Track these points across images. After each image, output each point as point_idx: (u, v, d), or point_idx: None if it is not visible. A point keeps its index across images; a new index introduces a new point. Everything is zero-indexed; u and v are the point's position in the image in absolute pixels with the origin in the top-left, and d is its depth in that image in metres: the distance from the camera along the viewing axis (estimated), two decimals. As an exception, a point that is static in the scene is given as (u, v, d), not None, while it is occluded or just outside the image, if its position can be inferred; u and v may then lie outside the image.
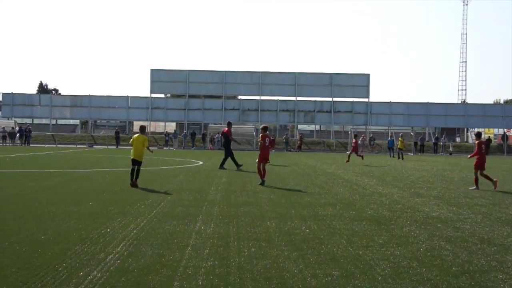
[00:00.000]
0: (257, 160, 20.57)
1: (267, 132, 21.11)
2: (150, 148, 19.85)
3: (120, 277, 7.06)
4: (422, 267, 8.00)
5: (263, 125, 22.36)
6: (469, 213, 13.74)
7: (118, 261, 7.89)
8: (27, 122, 76.01)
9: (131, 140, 19.21)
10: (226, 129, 29.50)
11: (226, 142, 29.47)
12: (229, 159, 28.33)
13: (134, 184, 18.16)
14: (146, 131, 58.77)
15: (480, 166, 20.52)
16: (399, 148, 47.72)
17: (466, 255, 8.94)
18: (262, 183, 19.59)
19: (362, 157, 36.90)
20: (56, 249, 8.55)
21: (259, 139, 20.64)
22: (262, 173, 20.07)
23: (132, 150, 18.89)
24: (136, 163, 18.57)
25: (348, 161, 36.34)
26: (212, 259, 8.20)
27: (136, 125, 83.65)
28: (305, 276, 7.35)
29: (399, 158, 46.18)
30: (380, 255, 8.76)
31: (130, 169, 18.54)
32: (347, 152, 37.24)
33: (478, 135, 22.47)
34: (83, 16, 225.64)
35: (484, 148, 21.33)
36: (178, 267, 7.68)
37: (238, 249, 8.91)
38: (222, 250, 8.84)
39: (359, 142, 56.99)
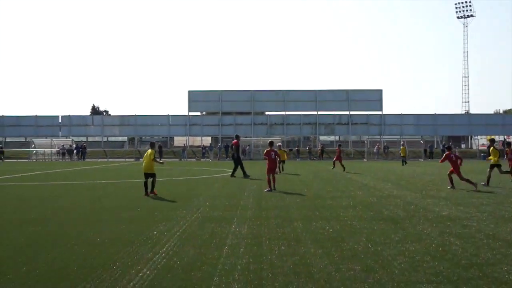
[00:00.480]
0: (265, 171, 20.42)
1: (273, 147, 21.16)
2: (158, 160, 19.40)
3: (167, 274, 7.09)
4: (434, 261, 7.89)
5: (270, 140, 22.32)
6: (475, 212, 13.52)
7: (165, 260, 7.92)
8: (83, 140, 76.89)
9: (144, 157, 18.99)
10: (235, 141, 29.14)
11: (234, 153, 29.06)
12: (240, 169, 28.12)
13: (148, 195, 17.63)
14: (184, 145, 58.77)
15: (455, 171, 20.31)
16: (402, 156, 47.29)
17: (474, 249, 8.80)
18: (270, 190, 19.26)
19: (344, 168, 34.40)
20: (110, 250, 8.62)
21: (264, 154, 20.66)
22: (271, 182, 19.71)
23: (143, 165, 18.59)
24: (148, 175, 18.13)
25: (333, 167, 36.82)
26: (247, 256, 8.19)
27: (177, 140, 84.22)
28: (330, 271, 7.31)
29: (403, 164, 45.47)
30: (396, 251, 8.66)
31: (145, 181, 18.05)
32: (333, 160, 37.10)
33: (449, 147, 21.87)
34: (128, 46, 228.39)
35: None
36: (217, 264, 7.68)
37: (269, 248, 8.88)
38: (256, 248, 8.82)
39: (375, 150, 56.75)
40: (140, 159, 64.80)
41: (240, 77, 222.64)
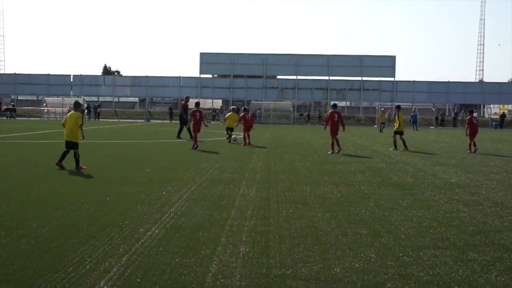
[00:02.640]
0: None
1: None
2: (82, 128, 14.53)
3: (174, 234, 7.16)
4: (441, 227, 7.91)
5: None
6: (484, 180, 13.50)
7: (173, 220, 7.99)
8: (96, 101, 76.99)
9: (64, 120, 14.61)
10: (183, 102, 28.54)
11: (181, 114, 28.36)
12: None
13: (61, 165, 13.81)
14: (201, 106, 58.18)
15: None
16: (381, 123, 47.10)
17: (481, 216, 8.80)
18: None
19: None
20: (119, 209, 8.71)
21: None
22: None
23: (64, 131, 14.32)
24: (70, 145, 14.07)
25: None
26: (255, 219, 8.24)
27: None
28: (337, 234, 7.35)
29: (380, 131, 44.88)
30: (404, 216, 8.68)
31: (65, 150, 14.14)
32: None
33: (471, 111, 24.86)
34: (141, 7, 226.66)
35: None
36: (225, 225, 7.74)
37: (277, 211, 8.93)
38: (263, 211, 8.88)
39: (386, 116, 56.39)
40: (151, 120, 65.00)
41: (253, 40, 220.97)
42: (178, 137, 27.85)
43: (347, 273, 5.67)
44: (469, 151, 22.64)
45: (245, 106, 26.55)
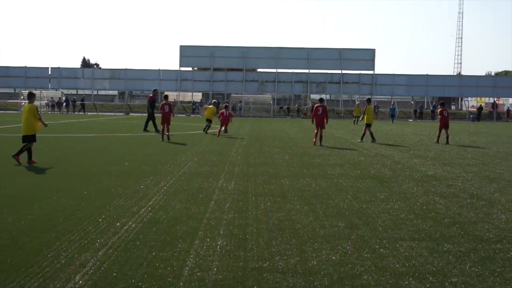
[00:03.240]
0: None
1: (167, 99, 24.14)
2: (43, 120, 14.10)
3: (152, 227, 7.13)
4: (418, 219, 7.99)
5: (165, 94, 24.95)
6: (461, 172, 13.64)
7: (150, 214, 7.95)
8: (75, 94, 76.23)
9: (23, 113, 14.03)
10: (151, 95, 28.55)
11: (151, 107, 28.38)
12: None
13: (18, 160, 13.29)
14: (171, 99, 57.27)
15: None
16: (355, 116, 47.39)
17: (457, 208, 8.90)
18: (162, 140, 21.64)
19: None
20: (96, 203, 8.64)
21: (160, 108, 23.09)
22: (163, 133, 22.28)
23: (22, 125, 13.81)
24: (27, 139, 13.48)
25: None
26: (233, 212, 8.24)
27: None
28: (315, 227, 7.37)
29: (354, 123, 45.28)
30: (381, 208, 8.74)
31: (24, 145, 13.52)
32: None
33: (442, 104, 25.67)
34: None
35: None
36: (203, 219, 7.73)
37: (255, 204, 8.93)
38: (242, 204, 8.87)
39: (362, 109, 56.69)
40: (130, 114, 64.59)
41: (233, 33, 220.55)
42: (146, 129, 27.74)
43: (324, 265, 5.70)
44: (436, 141, 23.92)
45: (226, 103, 27.92)
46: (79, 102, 67.64)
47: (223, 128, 26.25)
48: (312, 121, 21.70)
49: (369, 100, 25.16)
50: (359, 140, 23.95)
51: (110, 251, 6.02)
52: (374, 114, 66.80)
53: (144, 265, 5.57)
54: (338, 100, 78.95)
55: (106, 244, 6.29)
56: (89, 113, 64.58)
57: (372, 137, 23.78)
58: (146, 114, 28.85)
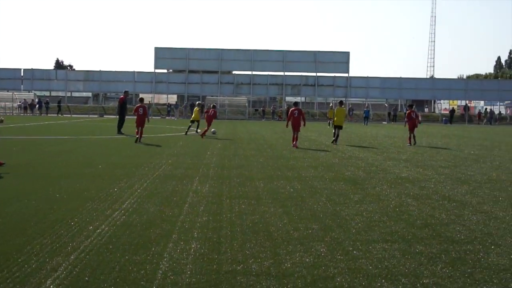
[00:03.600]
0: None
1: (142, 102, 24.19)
2: None
3: (125, 231, 7.06)
4: (391, 221, 8.05)
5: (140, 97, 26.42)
6: (433, 174, 13.80)
7: (124, 217, 7.88)
8: (45, 95, 75.34)
9: None
10: (122, 96, 28.31)
11: (121, 108, 28.13)
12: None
13: None
14: (146, 102, 57.53)
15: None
16: (329, 118, 47.58)
17: (429, 210, 9.00)
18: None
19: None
20: (69, 206, 8.54)
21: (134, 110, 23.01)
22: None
23: None
24: None
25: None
26: (207, 215, 8.21)
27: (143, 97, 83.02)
28: (289, 229, 7.38)
29: (329, 125, 45.46)
30: (355, 211, 8.79)
31: None
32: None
33: (410, 106, 26.70)
34: (95, 0, 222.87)
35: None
36: (177, 221, 7.68)
37: (230, 206, 8.92)
38: (216, 207, 8.85)
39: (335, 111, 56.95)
40: (105, 116, 64.00)
41: (208, 35, 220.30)
42: (120, 132, 27.36)
43: (298, 268, 5.71)
44: (408, 144, 24.29)
45: (214, 104, 30.21)
46: (56, 104, 66.72)
47: (206, 128, 26.84)
48: (287, 124, 22.17)
49: (341, 103, 25.60)
50: (332, 142, 24.12)
51: (82, 255, 5.95)
52: (348, 116, 67.29)
53: (116, 269, 5.52)
54: (313, 102, 79.31)
55: (78, 247, 6.22)
56: (62, 115, 63.80)
57: (336, 139, 24.03)
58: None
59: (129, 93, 34.93)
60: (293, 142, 21.81)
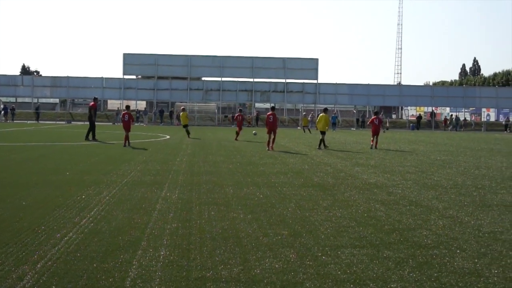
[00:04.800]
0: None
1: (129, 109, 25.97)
2: None
3: (93, 238, 6.99)
4: (359, 226, 8.13)
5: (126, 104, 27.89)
6: (401, 180, 13.98)
7: (92, 224, 7.80)
8: (11, 102, 74.07)
9: None
10: (93, 103, 28.08)
11: (91, 115, 27.68)
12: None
13: None
14: (115, 108, 56.60)
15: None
16: (304, 126, 48.02)
17: (397, 215, 9.11)
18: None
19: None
20: (35, 214, 8.41)
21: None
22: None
23: None
24: None
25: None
26: (176, 221, 8.17)
27: (110, 104, 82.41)
28: (258, 235, 7.40)
29: (304, 131, 46.06)
30: (324, 216, 8.85)
31: None
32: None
33: (376, 113, 27.90)
34: (60, 4, 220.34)
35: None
36: (146, 228, 7.63)
37: (199, 213, 8.89)
38: (185, 213, 8.82)
39: (309, 118, 57.29)
40: (72, 122, 63.22)
41: (177, 41, 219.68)
42: (88, 138, 27.00)
43: (267, 274, 5.72)
44: (371, 146, 26.37)
45: (240, 108, 34.72)
46: (33, 111, 65.62)
47: (238, 132, 31.22)
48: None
49: (325, 110, 26.42)
50: (318, 148, 25.07)
51: (49, 263, 5.87)
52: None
53: (84, 277, 5.46)
54: (282, 108, 79.65)
55: (45, 256, 6.13)
56: (28, 121, 62.80)
57: (320, 145, 25.14)
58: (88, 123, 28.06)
59: (98, 100, 34.94)
60: (268, 145, 23.14)
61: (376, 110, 25.75)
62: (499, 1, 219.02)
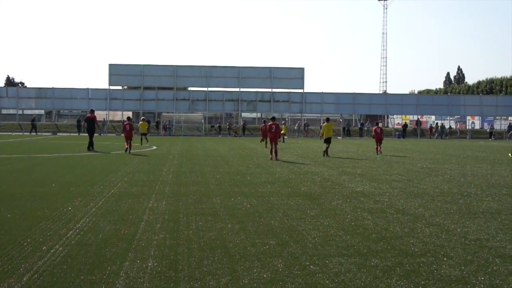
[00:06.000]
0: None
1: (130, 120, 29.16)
2: None
3: (80, 250, 6.94)
4: (347, 235, 8.15)
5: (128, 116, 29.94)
6: (387, 188, 14.05)
7: (78, 236, 7.75)
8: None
9: None
10: (93, 115, 29.83)
11: (90, 126, 29.16)
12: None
13: None
14: (100, 119, 56.79)
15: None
16: (282, 133, 47.88)
17: (384, 223, 9.15)
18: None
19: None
20: (22, 227, 8.34)
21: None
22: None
23: None
24: None
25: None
26: (164, 232, 8.15)
27: (96, 114, 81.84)
28: (246, 245, 7.39)
29: (283, 141, 45.46)
30: (311, 225, 8.87)
31: None
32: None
33: (377, 123, 32.11)
34: (45, 15, 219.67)
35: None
36: (133, 240, 7.60)
37: (187, 223, 8.87)
38: (173, 224, 8.79)
39: (295, 127, 57.49)
40: (58, 134, 62.91)
41: (163, 52, 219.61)
42: (90, 149, 27.82)
43: (255, 284, 5.72)
44: (377, 154, 28.60)
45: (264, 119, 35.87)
46: (30, 122, 65.11)
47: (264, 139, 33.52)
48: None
49: (328, 119, 27.57)
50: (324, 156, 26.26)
51: (36, 276, 5.82)
52: (304, 131, 67.66)
53: (71, 289, 5.42)
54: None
55: (31, 269, 6.08)
56: (13, 133, 62.35)
57: (326, 152, 26.47)
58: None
59: (84, 110, 35.60)
60: (271, 155, 23.55)
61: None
62: (483, 10, 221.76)
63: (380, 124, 31.80)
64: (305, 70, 78.10)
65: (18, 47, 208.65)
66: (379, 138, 29.74)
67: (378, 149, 29.26)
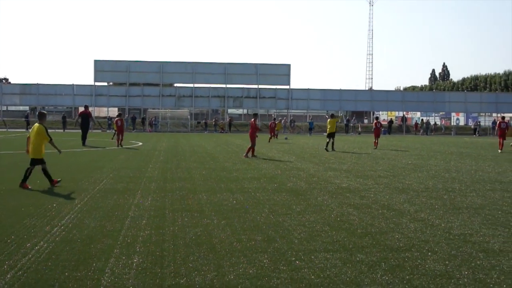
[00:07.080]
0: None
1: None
2: (54, 144, 13.77)
3: (65, 247, 6.91)
4: (332, 231, 8.18)
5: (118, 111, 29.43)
6: (373, 184, 14.11)
7: (63, 233, 7.71)
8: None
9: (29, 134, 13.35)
10: (87, 111, 30.79)
11: (84, 121, 30.21)
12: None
13: (25, 186, 12.32)
14: (92, 115, 57.20)
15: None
16: (276, 129, 48.05)
17: (369, 219, 9.19)
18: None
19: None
20: (5, 223, 8.28)
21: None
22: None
23: (30, 146, 13.18)
24: (36, 162, 13.00)
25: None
26: (149, 228, 8.13)
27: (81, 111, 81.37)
28: (232, 241, 7.39)
29: (276, 137, 45.42)
30: (297, 221, 8.89)
31: (28, 168, 12.90)
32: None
33: (377, 118, 34.96)
34: (30, 10, 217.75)
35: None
36: (118, 236, 7.57)
37: (172, 219, 8.86)
38: (158, 220, 8.77)
39: (282, 124, 57.41)
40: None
41: (148, 48, 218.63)
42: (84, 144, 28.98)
43: (241, 279, 5.72)
44: (374, 147, 31.29)
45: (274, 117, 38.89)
46: (23, 119, 64.52)
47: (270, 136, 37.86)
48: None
49: (332, 115, 30.08)
50: (325, 148, 28.23)
51: (20, 273, 5.79)
52: (291, 128, 67.79)
53: (56, 286, 5.39)
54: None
55: (15, 266, 6.04)
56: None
57: (332, 147, 28.23)
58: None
59: (69, 107, 35.67)
60: (248, 153, 23.13)
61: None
62: (467, 8, 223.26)
63: (379, 119, 34.55)
64: (292, 66, 78.11)
65: (2, 43, 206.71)
66: (378, 133, 32.33)
67: (376, 143, 31.79)
